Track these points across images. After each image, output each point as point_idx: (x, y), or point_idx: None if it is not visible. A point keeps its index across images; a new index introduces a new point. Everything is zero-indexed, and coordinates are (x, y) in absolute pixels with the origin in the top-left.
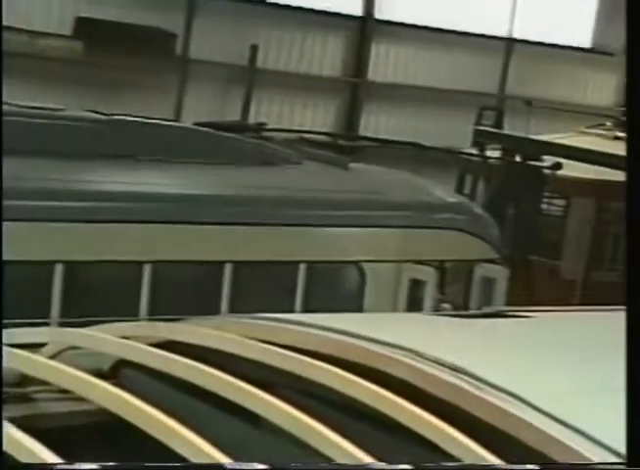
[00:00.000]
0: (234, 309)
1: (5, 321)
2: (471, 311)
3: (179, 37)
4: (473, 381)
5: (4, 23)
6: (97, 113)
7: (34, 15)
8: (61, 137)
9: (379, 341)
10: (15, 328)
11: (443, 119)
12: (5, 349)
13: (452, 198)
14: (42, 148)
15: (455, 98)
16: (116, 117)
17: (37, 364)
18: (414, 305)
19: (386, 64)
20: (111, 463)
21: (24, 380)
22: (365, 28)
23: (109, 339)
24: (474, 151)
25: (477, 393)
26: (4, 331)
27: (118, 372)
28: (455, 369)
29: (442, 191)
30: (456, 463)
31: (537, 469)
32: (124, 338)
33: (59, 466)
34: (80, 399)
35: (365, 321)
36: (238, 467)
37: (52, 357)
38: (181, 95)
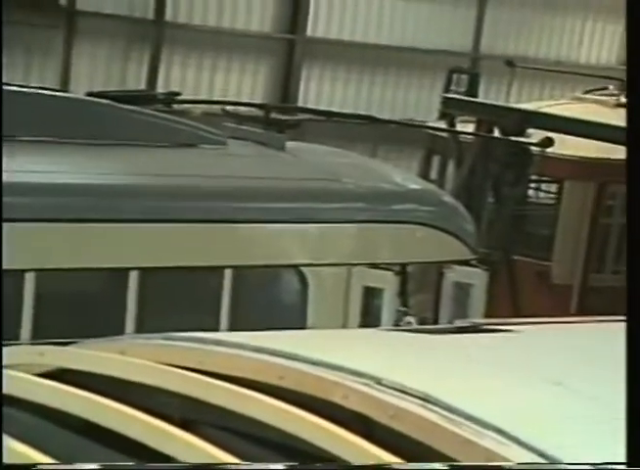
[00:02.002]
0: (141, 329)
1: None
2: (441, 325)
3: None
4: (444, 412)
5: None
6: None
7: None
8: None
9: (326, 364)
10: None
11: (403, 86)
12: None
13: (415, 184)
14: None
15: (417, 59)
16: None
17: None
18: (369, 318)
19: (329, 15)
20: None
21: None
22: None
23: None
24: (441, 124)
25: (449, 426)
26: None
27: None
28: (423, 398)
29: (403, 176)
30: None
31: (537, 469)
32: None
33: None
34: None
35: (308, 340)
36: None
37: None
38: (68, 58)
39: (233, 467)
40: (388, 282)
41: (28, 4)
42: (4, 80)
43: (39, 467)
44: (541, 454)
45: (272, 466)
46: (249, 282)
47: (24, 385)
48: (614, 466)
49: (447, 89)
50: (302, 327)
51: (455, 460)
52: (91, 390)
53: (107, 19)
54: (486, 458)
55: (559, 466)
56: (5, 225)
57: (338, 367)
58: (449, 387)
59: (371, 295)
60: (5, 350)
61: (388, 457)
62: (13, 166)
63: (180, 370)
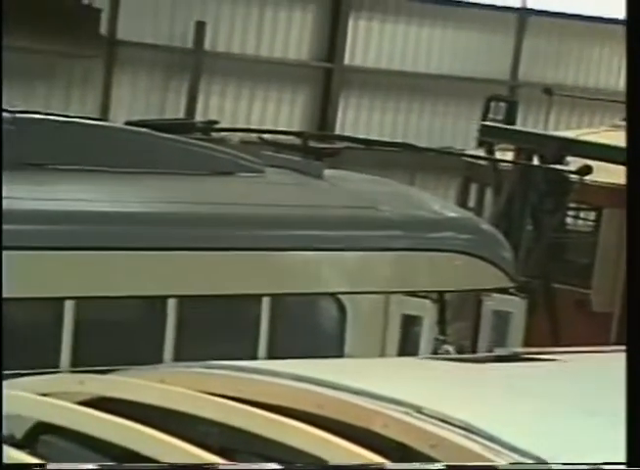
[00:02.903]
0: (181, 357)
1: None
2: (480, 354)
3: (104, 13)
4: (486, 442)
5: None
6: None
7: None
8: None
9: (365, 392)
10: None
11: (440, 114)
12: None
13: (453, 212)
14: None
15: (455, 87)
16: (24, 114)
17: None
18: (407, 346)
19: (366, 44)
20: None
21: None
22: (340, 0)
23: (23, 397)
24: (480, 152)
25: (492, 457)
26: None
27: (36, 439)
28: (464, 428)
29: (440, 204)
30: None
31: (536, 469)
32: (42, 395)
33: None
34: None
35: (347, 368)
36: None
37: None
38: (108, 87)
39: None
40: (426, 310)
41: (70, 34)
42: (46, 110)
43: (39, 467)
44: None
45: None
46: (286, 310)
47: (65, 413)
48: (614, 466)
49: (485, 117)
50: (340, 355)
51: None
52: (131, 418)
53: (146, 48)
54: None
55: (561, 466)
56: (45, 253)
57: (377, 396)
58: (491, 416)
59: (409, 323)
60: (45, 377)
61: None
62: (52, 195)
63: (219, 399)
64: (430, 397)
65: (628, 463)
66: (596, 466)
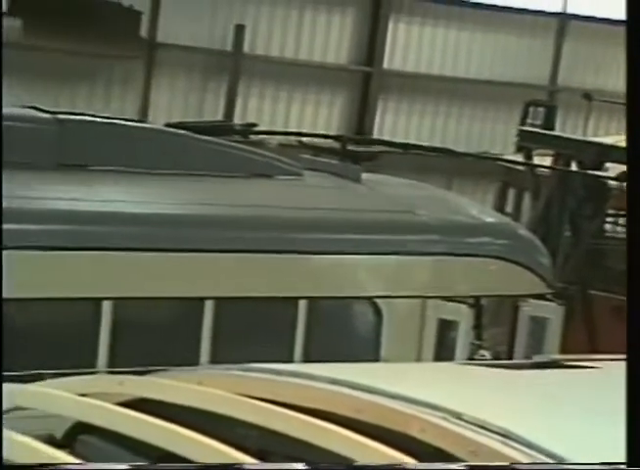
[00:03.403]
0: (218, 359)
1: None
2: (517, 361)
3: (145, 15)
4: (525, 449)
5: None
6: (40, 110)
7: None
8: None
9: (403, 397)
10: None
11: (479, 119)
12: None
13: (490, 217)
14: None
15: (494, 91)
16: (65, 115)
17: None
18: (444, 351)
19: (405, 48)
20: (142, 463)
21: None
22: (379, 3)
23: (63, 397)
24: (518, 157)
25: (530, 464)
26: None
27: (75, 439)
28: (503, 434)
29: (478, 209)
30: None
31: (536, 469)
32: (81, 395)
33: (93, 466)
34: None
35: (383, 372)
36: (280, 467)
37: None
38: (148, 88)
39: (255, 467)
40: (462, 315)
41: (111, 36)
42: (86, 111)
43: (39, 467)
44: None
45: (295, 466)
46: (323, 313)
47: (104, 413)
48: (614, 466)
49: (524, 122)
50: (376, 359)
51: None
52: (169, 419)
53: (186, 50)
54: None
55: (561, 466)
56: (84, 254)
57: (415, 401)
58: (530, 423)
59: (445, 327)
60: (85, 378)
61: None
62: (91, 196)
63: (257, 401)
64: (467, 402)
65: (628, 463)
66: (596, 466)
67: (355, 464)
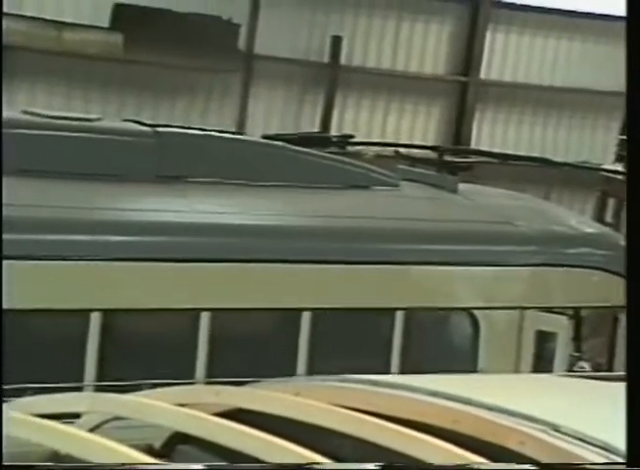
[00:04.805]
0: (314, 370)
1: (29, 386)
2: (618, 373)
3: (243, 28)
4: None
5: (27, 13)
6: (140, 123)
7: (63, 3)
8: (94, 154)
9: (501, 409)
10: (41, 394)
11: (577, 128)
12: (31, 420)
13: (590, 227)
14: (71, 168)
15: (593, 100)
16: (164, 128)
17: (73, 440)
18: (542, 363)
19: (503, 58)
20: (218, 463)
21: (57, 459)
22: (477, 14)
23: (160, 407)
24: (618, 167)
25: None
26: (26, 400)
27: (173, 449)
28: (603, 447)
29: (577, 219)
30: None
31: (536, 469)
32: (180, 406)
33: (171, 466)
34: None
35: (481, 384)
36: (353, 467)
37: (91, 431)
38: (246, 101)
39: (327, 467)
40: (561, 326)
41: (209, 50)
42: (184, 124)
43: (39, 467)
44: None
45: (367, 466)
46: (420, 324)
47: (201, 424)
48: (613, 466)
49: (624, 131)
50: (473, 370)
51: None
52: (266, 430)
53: (283, 62)
54: None
55: (561, 466)
56: (181, 265)
57: (513, 413)
58: None
59: (544, 339)
60: (184, 388)
61: None
62: (189, 207)
63: (354, 412)
64: (566, 415)
65: (628, 463)
66: (596, 466)
67: (428, 464)
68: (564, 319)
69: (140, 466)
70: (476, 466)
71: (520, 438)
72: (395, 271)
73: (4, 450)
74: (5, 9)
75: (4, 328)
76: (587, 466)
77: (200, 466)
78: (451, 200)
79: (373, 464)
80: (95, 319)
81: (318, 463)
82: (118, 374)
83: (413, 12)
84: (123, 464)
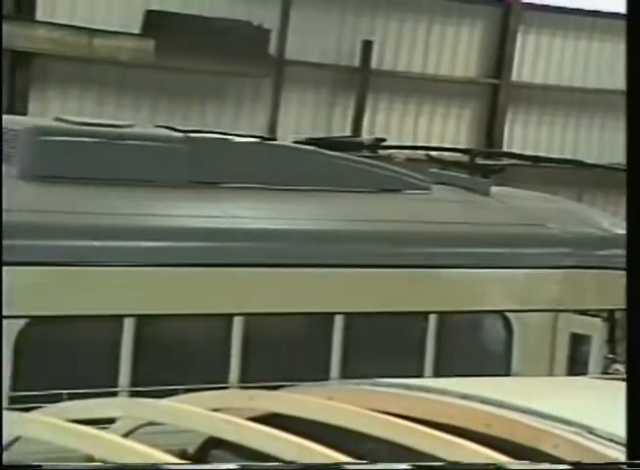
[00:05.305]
0: (347, 374)
1: (63, 392)
2: None
3: (273, 33)
4: None
5: (59, 20)
6: (171, 129)
7: (95, 10)
8: (126, 161)
9: (534, 412)
10: (76, 400)
11: (610, 129)
12: (66, 425)
13: (623, 229)
14: (103, 174)
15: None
16: (196, 133)
17: (107, 445)
18: (576, 365)
19: (534, 60)
20: (251, 463)
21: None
22: (508, 16)
23: (194, 412)
24: None
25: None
26: (61, 405)
27: (207, 453)
28: None
29: (610, 221)
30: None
31: (537, 469)
32: (214, 410)
33: (204, 466)
34: None
35: (514, 387)
36: (382, 467)
37: (125, 436)
38: (277, 105)
39: (357, 467)
40: (595, 329)
41: (241, 55)
42: (216, 129)
43: (39, 467)
44: None
45: (396, 466)
46: (453, 327)
47: (235, 428)
48: (613, 466)
49: None
50: (507, 374)
51: None
52: (299, 434)
53: (314, 67)
54: None
55: (563, 466)
56: (211, 270)
57: (547, 415)
58: None
59: (578, 341)
60: (217, 393)
61: None
62: (220, 213)
63: (387, 416)
64: (600, 417)
65: (628, 463)
66: (597, 466)
67: (459, 464)
68: (598, 321)
69: (172, 466)
70: (507, 466)
71: (554, 441)
72: (428, 275)
73: (40, 457)
74: (39, 17)
75: (2, 330)
76: (586, 466)
77: (233, 466)
78: (483, 203)
79: (405, 464)
80: (129, 325)
81: (349, 463)
82: (152, 379)
83: (444, 15)
84: (154, 464)
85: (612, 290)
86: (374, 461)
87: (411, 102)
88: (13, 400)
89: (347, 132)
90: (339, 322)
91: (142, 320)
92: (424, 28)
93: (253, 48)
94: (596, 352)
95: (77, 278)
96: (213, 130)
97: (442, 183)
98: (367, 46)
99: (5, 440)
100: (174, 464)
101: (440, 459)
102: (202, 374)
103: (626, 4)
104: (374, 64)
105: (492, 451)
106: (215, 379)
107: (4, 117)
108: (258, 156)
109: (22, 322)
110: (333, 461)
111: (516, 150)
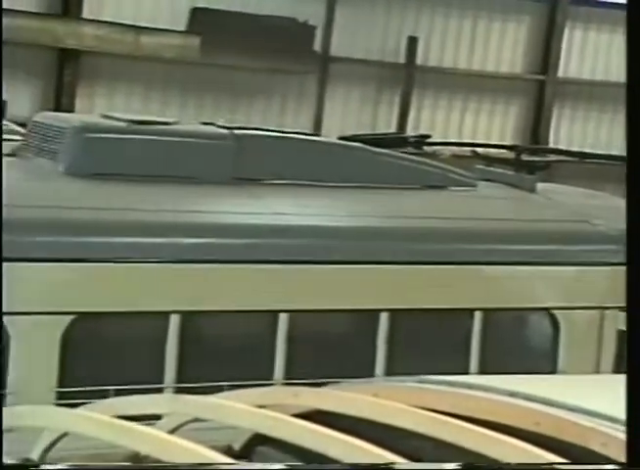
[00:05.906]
0: (392, 371)
1: (109, 388)
2: None
3: (319, 30)
4: None
5: (106, 18)
6: (217, 126)
7: (141, 8)
8: (172, 157)
9: (583, 410)
10: (123, 396)
11: None
12: (113, 421)
13: None
14: (149, 171)
15: None
16: (241, 130)
17: (153, 441)
18: (623, 363)
19: (581, 56)
20: (297, 463)
21: (137, 460)
22: (555, 11)
23: (239, 408)
24: None
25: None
26: (108, 401)
27: (253, 450)
28: None
29: None
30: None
31: (538, 469)
32: (259, 407)
33: (250, 466)
34: None
35: (561, 384)
36: (431, 467)
37: (171, 432)
38: (322, 102)
39: (405, 467)
40: None
41: (286, 52)
42: (261, 126)
43: (39, 467)
44: None
45: (445, 466)
46: (499, 325)
47: (280, 425)
48: (614, 466)
49: None
50: (553, 371)
51: None
52: (344, 431)
53: (359, 63)
54: None
55: (563, 466)
56: (256, 267)
57: (595, 413)
58: None
59: (625, 338)
60: (262, 390)
61: None
62: (264, 209)
63: (433, 414)
64: None
65: (628, 463)
66: (596, 466)
67: (507, 464)
68: None
69: (220, 466)
70: (556, 466)
71: (602, 439)
72: (473, 271)
73: (85, 452)
74: (85, 15)
75: (4, 328)
76: (587, 466)
77: (280, 466)
78: (529, 199)
79: (453, 464)
80: (174, 321)
81: (396, 463)
82: (198, 376)
83: (490, 11)
84: (202, 464)
85: None
86: (419, 459)
87: (457, 98)
88: (60, 396)
89: (393, 129)
90: (384, 319)
91: (187, 317)
92: (469, 24)
93: (299, 45)
94: None
95: (124, 275)
96: (259, 127)
97: (488, 180)
98: (412, 42)
99: (52, 436)
100: (218, 464)
101: (487, 457)
102: (247, 371)
103: (626, 3)
104: (419, 60)
105: (541, 450)
106: (260, 376)
107: (50, 114)
108: (303, 152)
109: (67, 318)
110: (380, 459)
111: (562, 146)
